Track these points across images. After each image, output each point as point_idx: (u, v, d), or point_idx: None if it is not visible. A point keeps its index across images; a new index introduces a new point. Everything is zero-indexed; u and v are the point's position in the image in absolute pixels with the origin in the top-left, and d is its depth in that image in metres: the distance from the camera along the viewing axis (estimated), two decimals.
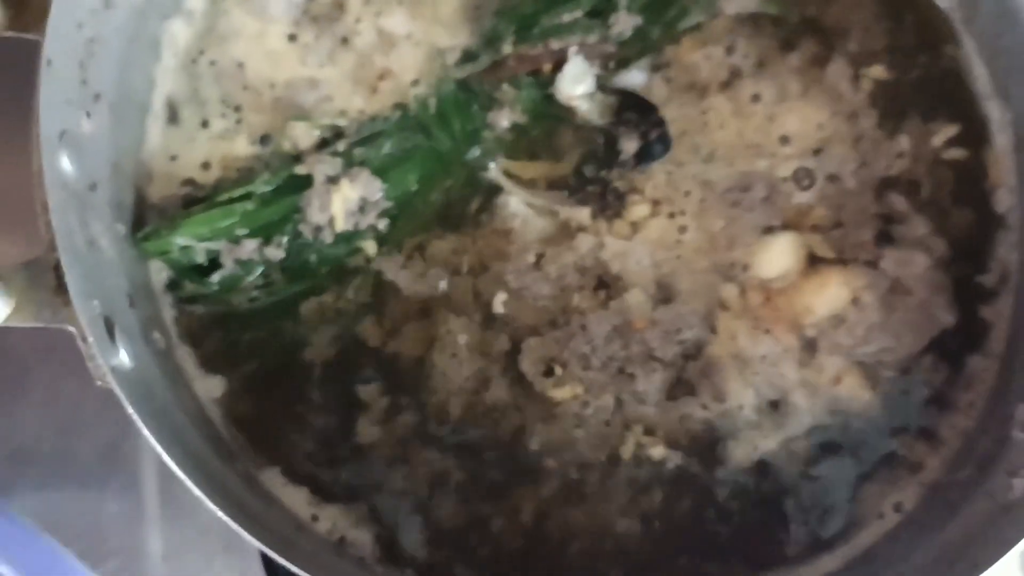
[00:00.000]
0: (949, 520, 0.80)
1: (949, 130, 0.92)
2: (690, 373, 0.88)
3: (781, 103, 0.92)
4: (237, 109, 0.93)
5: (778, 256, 0.90)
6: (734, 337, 0.88)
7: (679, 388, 0.88)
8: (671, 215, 0.91)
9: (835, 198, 0.91)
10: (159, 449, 0.69)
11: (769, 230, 0.90)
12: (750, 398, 0.88)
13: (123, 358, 0.74)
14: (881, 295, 0.88)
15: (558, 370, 0.88)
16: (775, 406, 0.88)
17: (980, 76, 0.94)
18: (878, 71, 0.93)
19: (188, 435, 0.80)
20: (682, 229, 0.91)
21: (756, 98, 0.93)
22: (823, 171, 0.91)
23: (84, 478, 0.99)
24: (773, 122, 0.92)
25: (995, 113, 0.93)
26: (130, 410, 0.69)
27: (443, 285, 0.90)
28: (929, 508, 0.84)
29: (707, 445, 0.87)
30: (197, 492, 0.69)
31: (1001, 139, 0.93)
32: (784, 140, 0.92)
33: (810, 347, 0.88)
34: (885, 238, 0.90)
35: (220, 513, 0.67)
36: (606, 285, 0.90)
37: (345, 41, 0.95)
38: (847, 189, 0.91)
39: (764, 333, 0.88)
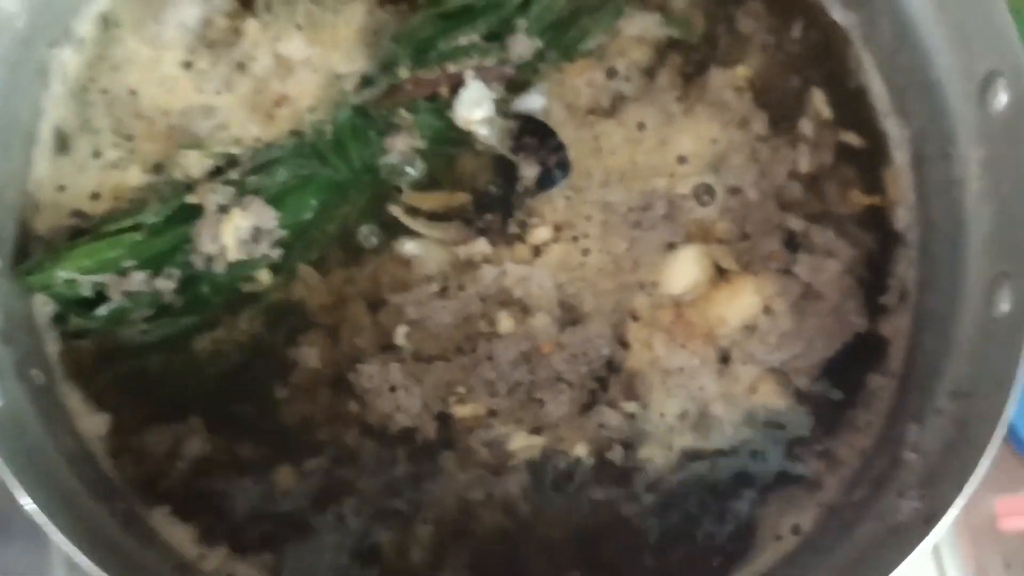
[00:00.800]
0: (843, 542, 0.79)
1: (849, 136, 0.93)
2: (611, 389, 0.87)
3: (668, 126, 0.92)
4: (129, 138, 0.92)
5: (684, 270, 0.89)
6: (650, 348, 0.87)
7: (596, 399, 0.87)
8: (574, 239, 0.90)
9: (739, 210, 0.90)
10: (19, 489, 0.67)
11: (672, 247, 0.90)
12: (672, 407, 0.87)
13: None
14: (793, 301, 0.88)
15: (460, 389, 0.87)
16: (695, 417, 0.87)
17: (879, 93, 0.94)
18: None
19: (61, 474, 0.77)
20: (585, 252, 0.90)
21: (641, 126, 0.92)
22: (723, 184, 0.91)
23: None
24: (666, 144, 0.91)
25: (894, 130, 0.93)
26: None
27: (342, 316, 0.88)
28: (825, 530, 0.83)
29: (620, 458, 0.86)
30: (59, 535, 0.67)
31: (900, 156, 0.93)
32: (681, 160, 0.91)
33: (725, 358, 0.87)
34: (793, 244, 0.90)
35: (78, 553, 0.65)
36: (511, 309, 0.89)
37: (242, 67, 0.94)
38: (750, 200, 0.91)
39: (680, 347, 0.87)
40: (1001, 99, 0.79)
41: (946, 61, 0.85)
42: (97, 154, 0.91)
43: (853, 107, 0.94)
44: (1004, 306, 0.77)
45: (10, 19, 0.84)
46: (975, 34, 0.82)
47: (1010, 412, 0.72)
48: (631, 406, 0.86)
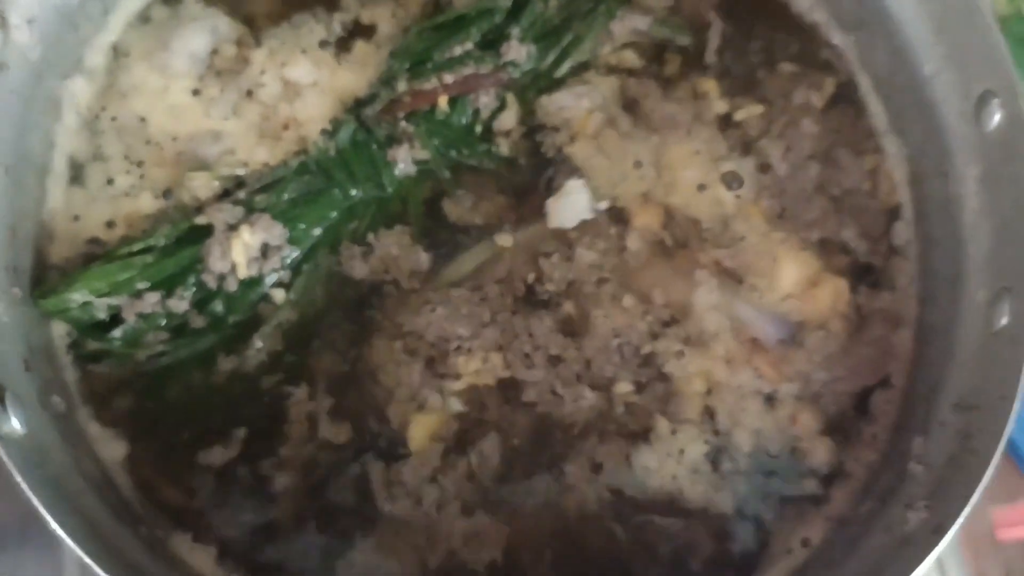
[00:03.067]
0: (851, 555, 0.80)
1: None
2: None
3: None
4: (140, 164, 0.93)
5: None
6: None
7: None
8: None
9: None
10: (47, 517, 0.68)
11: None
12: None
13: (14, 425, 0.73)
14: (847, 325, 0.90)
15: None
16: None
17: (877, 113, 0.96)
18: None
19: (86, 501, 0.78)
20: None
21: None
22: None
23: (2, 540, 0.97)
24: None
25: (892, 148, 0.95)
26: (17, 478, 0.68)
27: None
28: (834, 543, 0.84)
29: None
30: (87, 560, 0.68)
31: (898, 174, 0.94)
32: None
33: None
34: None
35: None
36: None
37: (250, 93, 0.95)
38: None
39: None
40: (996, 118, 0.81)
41: (942, 82, 0.87)
42: (110, 181, 0.93)
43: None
44: (1004, 320, 0.79)
45: (24, 52, 0.86)
46: (970, 55, 0.84)
47: (1012, 424, 0.74)
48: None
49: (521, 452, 0.87)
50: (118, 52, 0.96)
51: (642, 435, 0.87)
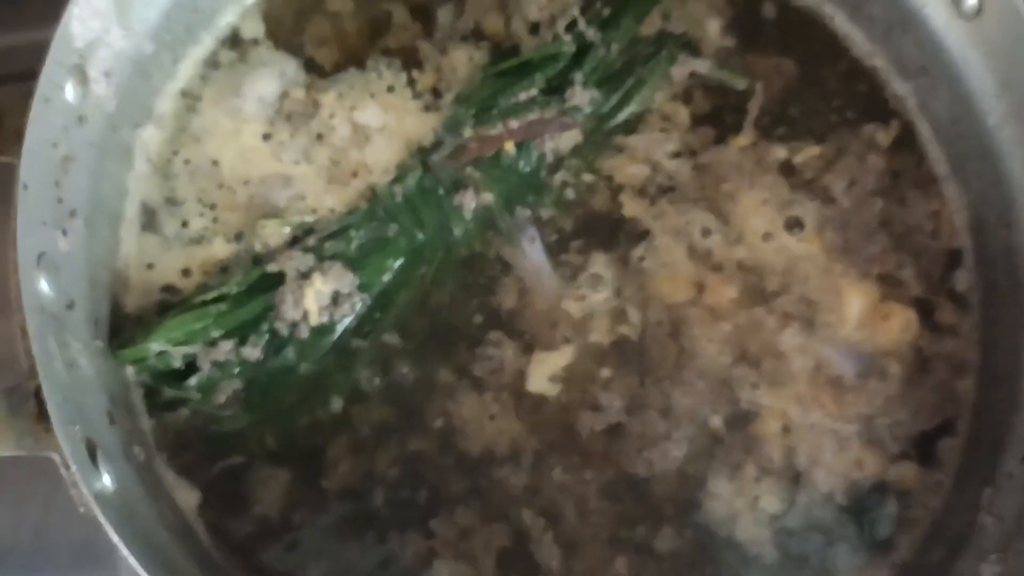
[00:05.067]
0: None
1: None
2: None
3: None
4: (213, 207, 0.94)
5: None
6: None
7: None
8: None
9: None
10: (142, 571, 0.70)
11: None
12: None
13: (106, 482, 0.75)
14: (908, 368, 0.91)
15: None
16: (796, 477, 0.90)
17: (937, 159, 0.97)
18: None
19: (171, 552, 0.79)
20: None
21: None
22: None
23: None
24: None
25: (952, 194, 0.96)
26: (115, 538, 0.70)
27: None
28: None
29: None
30: None
31: (959, 219, 0.95)
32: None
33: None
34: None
35: None
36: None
37: (320, 137, 0.96)
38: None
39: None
40: None
41: (1007, 134, 0.88)
42: (184, 224, 0.94)
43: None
44: None
45: (101, 104, 0.87)
46: None
47: None
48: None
49: None
50: (190, 97, 0.97)
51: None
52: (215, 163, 0.95)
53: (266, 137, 0.96)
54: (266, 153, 0.96)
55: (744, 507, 0.88)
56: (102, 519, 0.70)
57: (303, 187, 0.95)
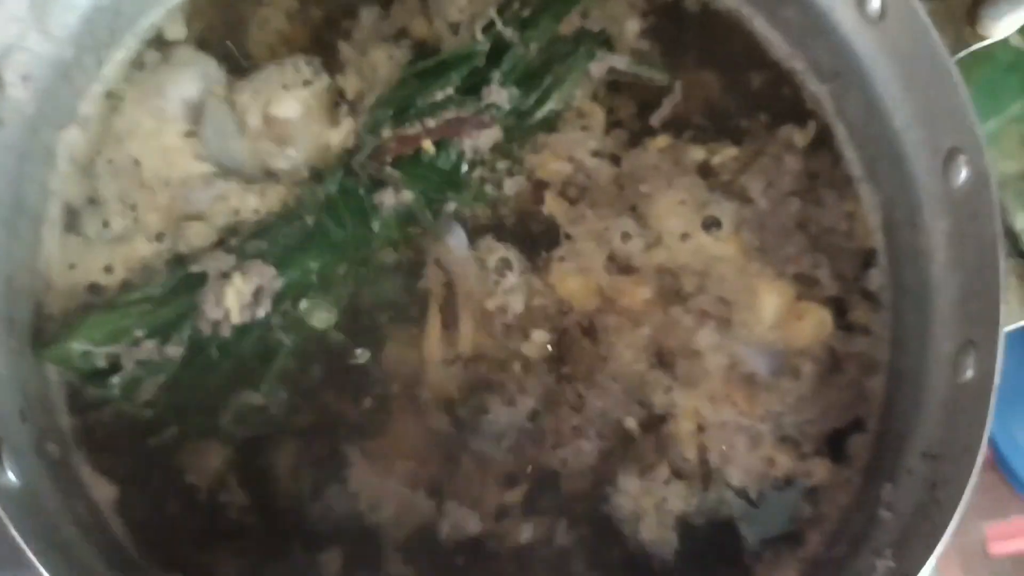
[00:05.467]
0: None
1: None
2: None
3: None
4: (134, 208, 0.95)
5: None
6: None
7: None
8: None
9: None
10: (40, 567, 0.70)
11: None
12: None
13: (10, 477, 0.76)
14: (820, 367, 0.92)
15: None
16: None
17: (852, 160, 0.98)
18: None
19: (79, 550, 0.80)
20: None
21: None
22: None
23: None
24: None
25: (866, 195, 0.97)
26: (13, 532, 0.71)
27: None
28: None
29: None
30: None
31: (873, 219, 0.97)
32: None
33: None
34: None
35: None
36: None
37: (239, 135, 0.97)
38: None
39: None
40: (962, 175, 0.83)
41: (912, 136, 0.89)
42: (106, 224, 0.94)
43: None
44: (969, 373, 0.81)
45: (20, 108, 0.88)
46: (938, 112, 0.85)
47: (975, 477, 0.76)
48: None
49: None
50: (115, 98, 0.97)
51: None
52: (137, 163, 0.95)
53: (188, 135, 0.97)
54: (187, 153, 0.96)
55: (651, 506, 0.89)
56: (2, 514, 0.71)
57: (224, 188, 0.95)
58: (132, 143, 0.96)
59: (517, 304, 0.94)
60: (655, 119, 0.98)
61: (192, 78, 0.98)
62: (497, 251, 0.95)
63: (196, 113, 0.97)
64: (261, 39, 1.01)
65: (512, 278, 0.95)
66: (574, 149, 0.97)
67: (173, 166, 0.96)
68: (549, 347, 0.93)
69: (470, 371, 0.92)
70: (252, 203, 0.95)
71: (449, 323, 0.93)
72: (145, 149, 0.96)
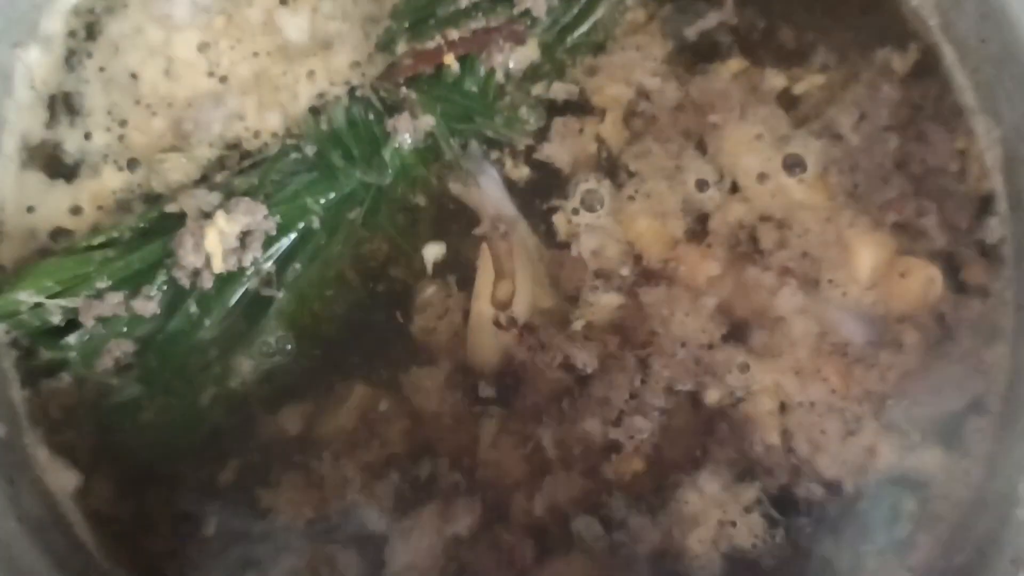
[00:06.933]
0: None
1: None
2: None
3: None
4: (123, 124, 0.83)
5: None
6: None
7: None
8: None
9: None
10: None
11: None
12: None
13: None
14: (928, 336, 0.79)
15: None
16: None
17: (963, 87, 0.85)
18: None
19: (19, 547, 0.69)
20: None
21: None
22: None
23: None
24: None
25: (982, 129, 0.83)
26: None
27: None
28: None
29: None
30: None
31: (990, 158, 0.83)
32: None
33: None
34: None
35: None
36: None
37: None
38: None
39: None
40: None
41: None
42: (87, 136, 0.83)
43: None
44: None
45: None
46: None
47: None
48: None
49: None
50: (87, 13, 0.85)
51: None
52: (134, 76, 0.84)
53: (203, 47, 0.85)
54: (199, 68, 0.84)
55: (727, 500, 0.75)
56: None
57: (239, 105, 0.83)
58: (132, 54, 0.85)
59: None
60: (694, 31, 0.84)
61: None
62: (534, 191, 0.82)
63: (208, 17, 0.85)
64: None
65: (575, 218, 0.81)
66: (631, 72, 0.84)
67: (179, 82, 0.84)
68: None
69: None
70: (274, 123, 0.83)
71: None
72: (147, 63, 0.84)
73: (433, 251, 0.81)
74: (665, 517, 0.75)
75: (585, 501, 0.76)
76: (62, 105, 0.83)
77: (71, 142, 0.82)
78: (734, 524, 0.75)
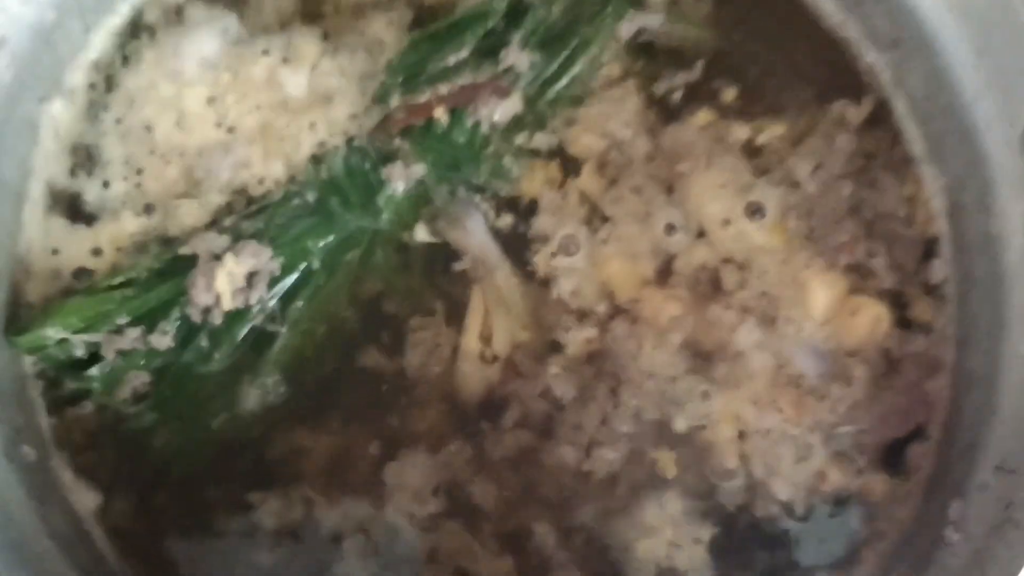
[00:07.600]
0: None
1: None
2: None
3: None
4: (139, 172, 0.87)
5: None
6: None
7: None
8: None
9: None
10: None
11: None
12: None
13: None
14: (875, 370, 0.84)
15: None
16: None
17: (913, 138, 0.89)
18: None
19: (51, 563, 0.74)
20: None
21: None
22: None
23: None
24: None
25: (929, 177, 0.88)
26: None
27: None
28: None
29: None
30: None
31: (936, 204, 0.87)
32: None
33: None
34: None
35: None
36: None
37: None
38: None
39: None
40: None
41: (985, 108, 0.81)
42: (105, 184, 0.87)
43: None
44: None
45: None
46: (1017, 79, 0.77)
47: None
48: None
49: None
50: (106, 68, 0.90)
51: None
52: (149, 128, 0.88)
53: (210, 101, 0.89)
54: (208, 120, 0.88)
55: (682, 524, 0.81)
56: None
57: (246, 153, 0.87)
58: (147, 107, 0.89)
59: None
60: (664, 86, 0.89)
61: (210, 36, 0.89)
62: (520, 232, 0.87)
63: (216, 74, 0.89)
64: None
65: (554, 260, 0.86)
66: (607, 123, 0.88)
67: (190, 133, 0.88)
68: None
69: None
70: (278, 171, 0.87)
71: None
72: (161, 115, 0.88)
73: (424, 288, 0.86)
74: (625, 517, 0.81)
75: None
76: (83, 155, 0.87)
77: (91, 190, 0.86)
78: (680, 547, 0.80)
